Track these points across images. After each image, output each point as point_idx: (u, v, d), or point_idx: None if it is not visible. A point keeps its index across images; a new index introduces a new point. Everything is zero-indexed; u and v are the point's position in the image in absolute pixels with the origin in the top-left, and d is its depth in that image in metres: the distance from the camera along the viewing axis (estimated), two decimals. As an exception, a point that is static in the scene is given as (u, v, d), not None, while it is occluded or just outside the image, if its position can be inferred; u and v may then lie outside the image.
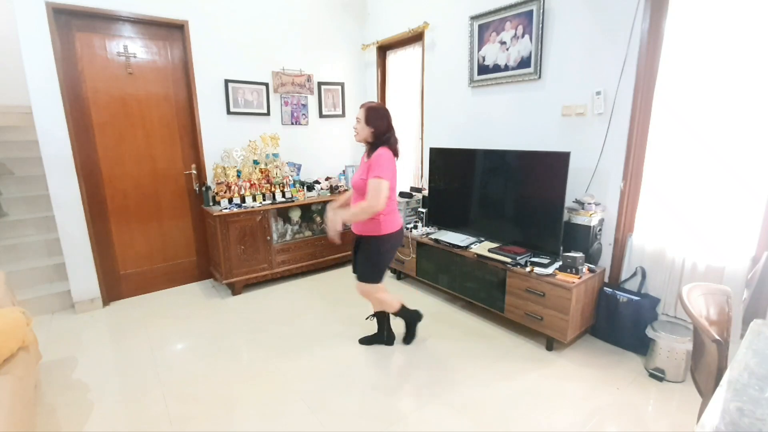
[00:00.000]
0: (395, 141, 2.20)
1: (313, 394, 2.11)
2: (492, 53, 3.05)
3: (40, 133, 2.84)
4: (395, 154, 2.18)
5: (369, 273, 2.31)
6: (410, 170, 4.19)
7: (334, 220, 2.11)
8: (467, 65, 3.26)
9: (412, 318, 2.56)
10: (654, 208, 2.40)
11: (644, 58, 2.25)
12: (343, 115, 4.37)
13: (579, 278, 2.32)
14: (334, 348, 2.54)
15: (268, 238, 3.46)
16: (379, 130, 2.16)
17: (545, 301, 2.40)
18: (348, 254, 4.05)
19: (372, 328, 2.63)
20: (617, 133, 2.43)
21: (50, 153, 2.88)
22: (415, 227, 3.47)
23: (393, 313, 2.50)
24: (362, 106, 2.20)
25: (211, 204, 3.41)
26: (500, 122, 3.11)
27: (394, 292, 3.35)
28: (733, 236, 2.08)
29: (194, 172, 3.53)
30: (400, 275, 3.70)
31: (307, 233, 3.81)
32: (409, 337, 2.58)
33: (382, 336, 2.56)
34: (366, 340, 2.59)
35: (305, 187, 3.82)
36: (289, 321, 2.91)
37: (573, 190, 2.58)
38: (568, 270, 2.38)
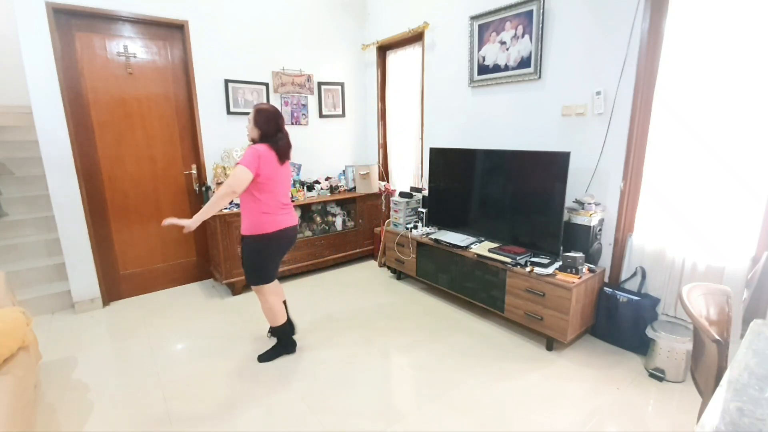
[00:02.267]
0: (284, 144, 2.23)
1: (313, 393, 2.11)
2: (492, 53, 3.05)
3: (40, 133, 2.84)
4: (281, 154, 2.21)
5: (251, 273, 2.30)
6: (410, 170, 4.19)
7: (184, 225, 2.13)
8: (467, 65, 3.26)
9: (285, 343, 2.46)
10: (654, 208, 2.39)
11: (644, 58, 2.25)
12: (343, 115, 4.37)
13: (579, 278, 2.33)
14: (333, 347, 2.54)
15: (268, 238, 3.46)
16: (265, 131, 2.19)
17: (545, 301, 2.40)
18: (348, 254, 4.05)
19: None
20: (617, 133, 2.43)
21: (50, 153, 2.88)
22: (415, 227, 3.47)
23: (272, 327, 2.43)
24: (254, 107, 2.25)
25: (211, 204, 3.40)
26: (500, 122, 3.11)
27: (394, 293, 3.39)
28: (733, 236, 2.08)
29: (194, 172, 3.53)
30: (400, 275, 3.70)
31: (307, 233, 3.81)
32: (267, 355, 2.41)
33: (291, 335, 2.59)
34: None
35: (305, 187, 3.83)
36: (289, 321, 2.91)
37: (573, 190, 2.58)
38: (568, 270, 2.38)
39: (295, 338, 2.58)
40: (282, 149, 2.22)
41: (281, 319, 2.41)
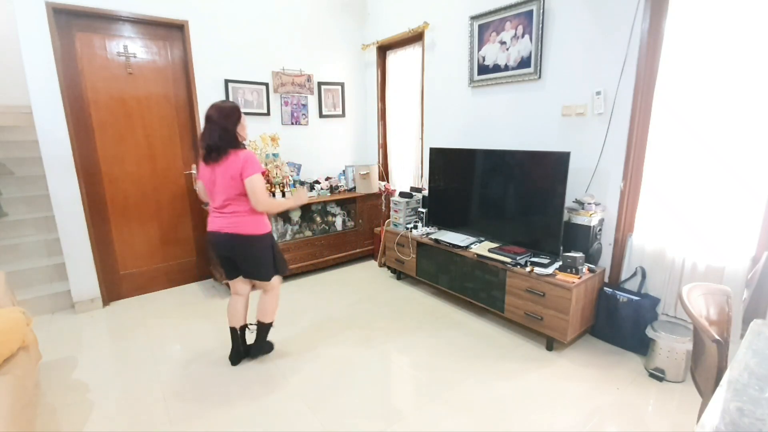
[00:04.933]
0: (201, 142, 2.12)
1: (313, 394, 2.11)
2: (492, 53, 3.05)
3: (40, 133, 2.84)
4: (203, 154, 2.11)
5: (274, 267, 2.32)
6: (410, 170, 4.19)
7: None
8: (467, 65, 3.26)
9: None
10: (654, 208, 2.39)
11: (644, 58, 2.25)
12: (343, 115, 4.38)
13: (579, 278, 2.32)
14: (334, 347, 2.54)
15: (268, 238, 3.46)
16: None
17: (545, 301, 2.40)
18: (348, 254, 4.05)
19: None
20: (617, 133, 2.43)
21: (50, 153, 2.88)
22: (415, 227, 3.47)
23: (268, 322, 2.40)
24: None
25: (211, 204, 3.41)
26: (500, 122, 3.11)
27: (394, 293, 3.39)
28: (733, 236, 2.08)
29: (194, 172, 3.53)
30: (400, 275, 3.70)
31: (307, 233, 3.81)
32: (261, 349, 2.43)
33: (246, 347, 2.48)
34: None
35: (305, 187, 3.82)
36: (289, 321, 2.91)
37: (573, 190, 2.58)
38: (568, 270, 2.38)
39: (295, 338, 2.58)
40: (202, 148, 2.09)
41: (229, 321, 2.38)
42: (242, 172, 2.03)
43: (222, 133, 2.05)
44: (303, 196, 2.38)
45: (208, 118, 2.07)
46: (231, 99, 3.57)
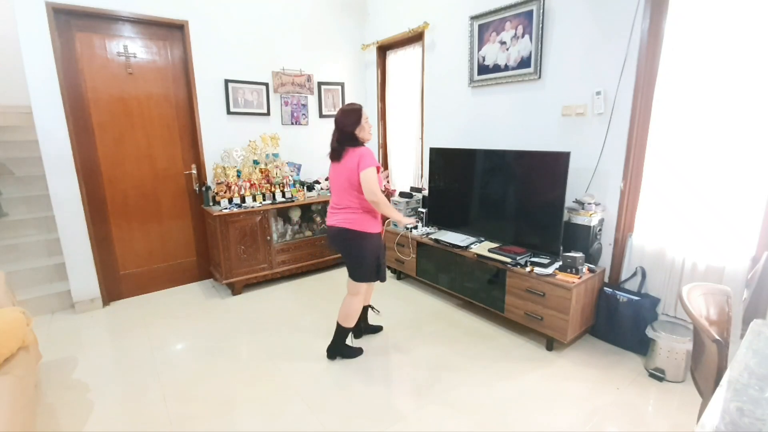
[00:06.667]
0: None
1: (313, 394, 2.11)
2: (492, 53, 3.05)
3: (40, 133, 2.84)
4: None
5: (372, 272, 2.41)
6: (410, 170, 4.19)
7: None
8: (467, 65, 3.26)
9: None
10: (654, 208, 2.39)
11: (644, 58, 2.25)
12: (343, 115, 4.37)
13: (579, 278, 2.32)
14: (334, 348, 2.54)
15: (268, 238, 3.46)
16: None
17: (545, 301, 2.40)
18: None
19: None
20: (617, 133, 2.43)
21: (50, 153, 2.88)
22: (415, 227, 3.47)
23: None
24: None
25: (211, 204, 3.41)
26: (500, 122, 3.11)
27: (394, 293, 3.39)
28: (733, 236, 2.08)
29: (194, 172, 3.53)
30: (400, 275, 3.70)
31: (307, 233, 3.81)
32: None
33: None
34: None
35: (305, 187, 3.82)
36: (289, 321, 2.91)
37: (573, 190, 2.58)
38: (568, 270, 2.38)
39: (295, 338, 2.57)
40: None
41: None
42: (359, 165, 2.18)
43: (339, 135, 2.30)
44: (406, 220, 2.45)
45: (334, 121, 2.32)
46: (231, 99, 3.57)
